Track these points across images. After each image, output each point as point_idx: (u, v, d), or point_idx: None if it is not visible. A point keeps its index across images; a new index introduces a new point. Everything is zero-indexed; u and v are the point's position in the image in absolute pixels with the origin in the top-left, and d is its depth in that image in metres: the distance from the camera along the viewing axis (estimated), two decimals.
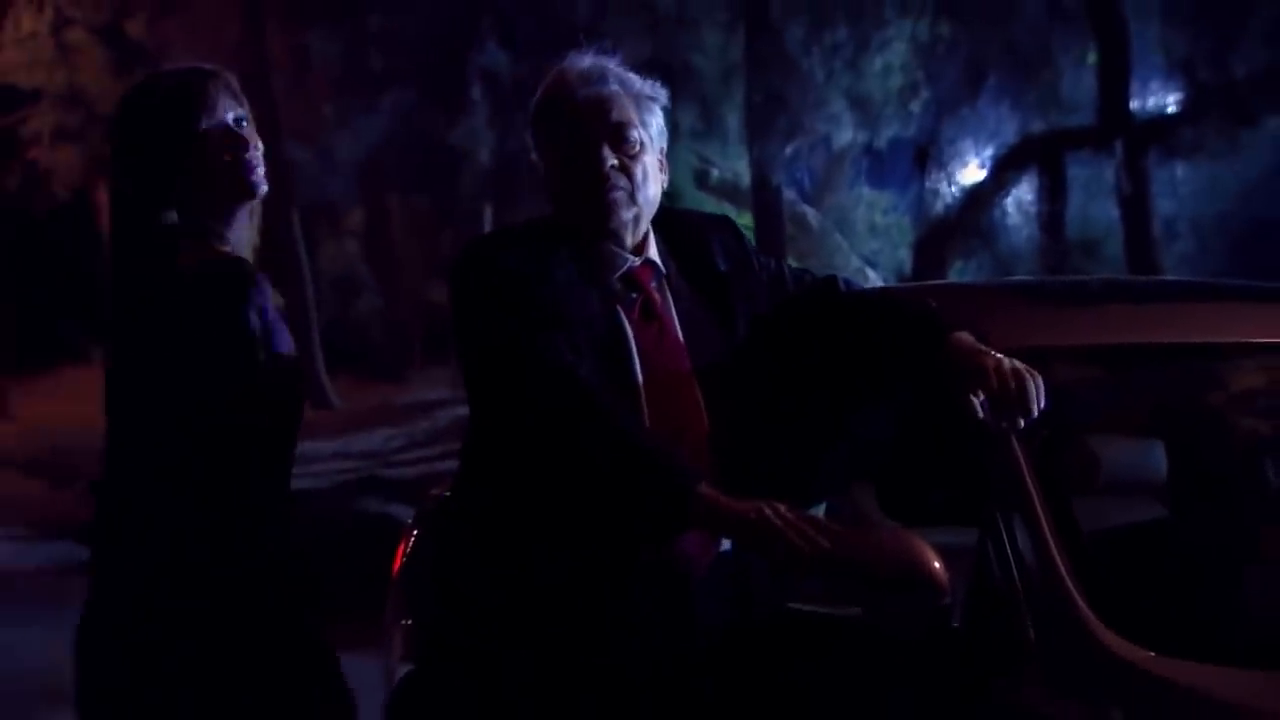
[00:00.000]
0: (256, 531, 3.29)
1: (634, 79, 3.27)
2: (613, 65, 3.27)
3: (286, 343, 3.28)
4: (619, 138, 3.20)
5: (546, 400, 3.04)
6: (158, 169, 3.29)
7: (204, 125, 3.23)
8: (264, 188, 3.28)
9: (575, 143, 3.19)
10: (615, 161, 3.18)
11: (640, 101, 3.25)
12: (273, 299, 3.31)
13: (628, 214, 3.20)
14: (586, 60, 3.27)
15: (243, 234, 3.33)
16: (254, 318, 3.23)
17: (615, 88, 3.23)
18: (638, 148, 3.21)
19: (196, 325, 3.22)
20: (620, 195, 3.18)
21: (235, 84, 3.32)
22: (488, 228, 19.25)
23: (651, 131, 3.25)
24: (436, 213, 22.03)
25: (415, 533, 4.73)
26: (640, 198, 3.21)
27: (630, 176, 3.19)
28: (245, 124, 3.27)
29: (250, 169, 3.25)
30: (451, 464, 3.64)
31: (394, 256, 23.69)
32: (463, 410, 3.54)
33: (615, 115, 3.20)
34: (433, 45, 17.62)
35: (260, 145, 3.29)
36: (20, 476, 17.46)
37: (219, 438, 3.29)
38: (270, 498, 3.32)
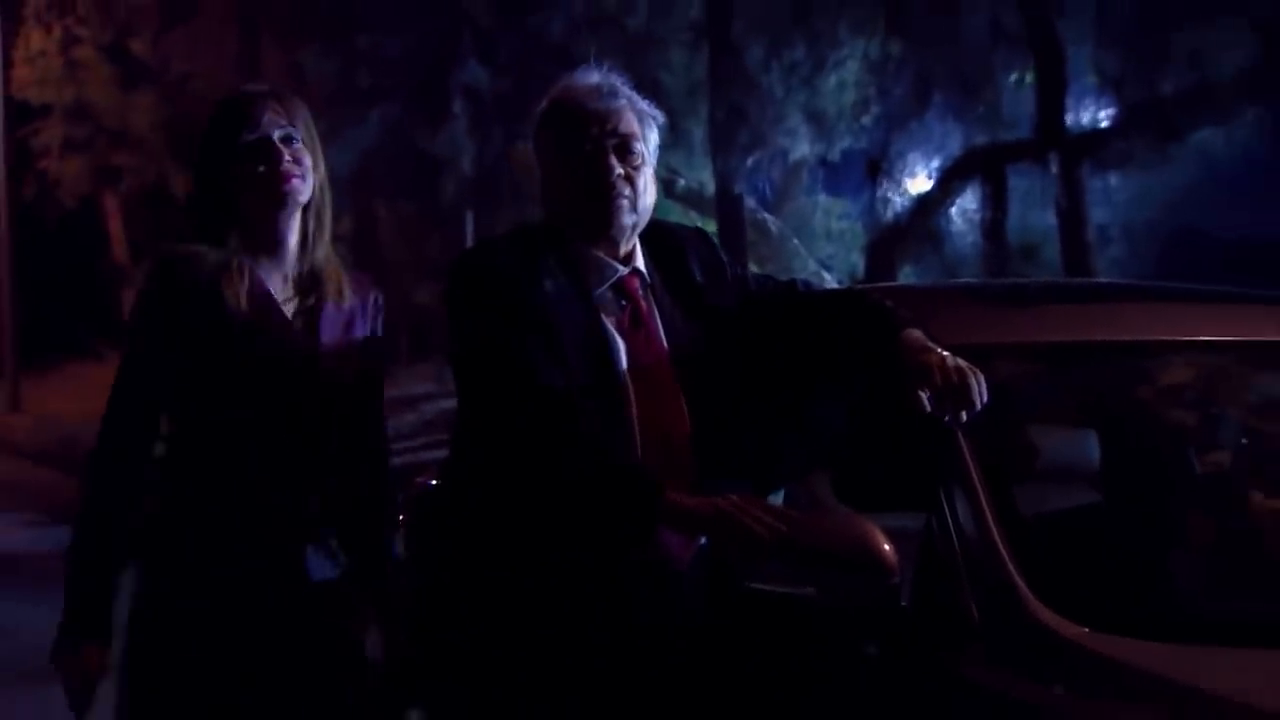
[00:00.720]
0: (258, 528, 3.25)
1: (638, 97, 3.27)
2: (619, 81, 3.27)
3: (268, 342, 3.26)
4: (625, 149, 3.19)
5: (524, 416, 3.04)
6: (206, 177, 3.34)
7: (246, 138, 3.28)
8: (299, 197, 3.31)
9: (585, 151, 3.18)
10: (621, 171, 3.17)
11: (643, 118, 3.25)
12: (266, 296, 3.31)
13: (628, 220, 3.20)
14: (595, 76, 3.26)
15: (289, 240, 3.35)
16: (163, 311, 3.25)
17: (624, 102, 3.23)
18: (640, 160, 3.20)
19: (129, 318, 3.35)
20: (624, 203, 3.18)
21: (291, 104, 3.35)
22: (470, 231, 19.21)
23: (650, 146, 3.25)
24: (421, 218, 21.97)
25: (401, 517, 4.71)
26: (640, 206, 3.21)
27: (633, 186, 3.19)
28: (296, 141, 3.31)
29: (284, 179, 3.27)
30: (436, 454, 3.63)
31: (382, 259, 23.62)
32: (446, 403, 3.53)
33: (623, 128, 3.20)
34: (417, 63, 17.57)
35: (307, 160, 3.31)
36: (31, 465, 17.37)
37: (194, 430, 3.26)
38: (285, 492, 3.28)
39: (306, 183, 3.31)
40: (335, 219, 3.44)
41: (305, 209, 3.35)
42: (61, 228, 23.11)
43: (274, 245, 3.34)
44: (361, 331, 3.41)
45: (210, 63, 19.53)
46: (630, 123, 3.21)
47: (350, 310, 3.40)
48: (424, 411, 18.95)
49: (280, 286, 3.33)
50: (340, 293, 3.37)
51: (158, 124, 21.52)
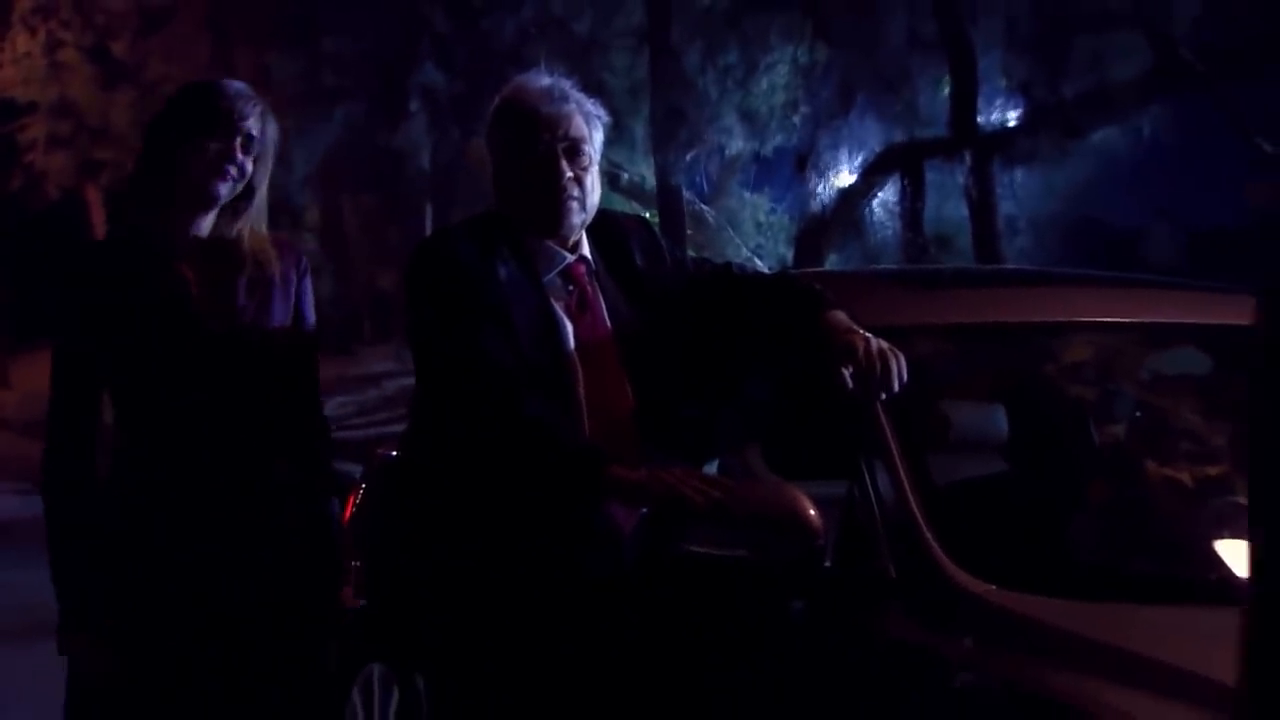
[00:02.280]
0: (214, 508, 3.15)
1: (586, 99, 3.22)
2: (568, 85, 3.22)
3: (179, 322, 3.14)
4: (574, 152, 3.16)
5: (479, 394, 3.03)
6: (162, 141, 3.22)
7: (217, 126, 3.16)
8: (220, 196, 3.19)
9: (537, 154, 3.14)
10: (571, 174, 3.14)
11: (590, 120, 3.21)
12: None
13: (578, 219, 3.18)
14: (546, 79, 3.22)
15: (202, 225, 3.22)
16: (65, 291, 3.18)
17: (573, 106, 3.18)
18: (588, 161, 3.18)
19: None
20: (574, 204, 3.16)
21: (267, 112, 3.24)
22: (428, 222, 19.15)
23: (597, 146, 3.22)
24: (383, 209, 21.90)
25: (364, 486, 4.70)
26: (588, 205, 3.19)
27: (582, 187, 3.16)
28: (251, 150, 3.19)
29: (219, 175, 3.17)
30: (396, 428, 3.61)
31: (346, 248, 23.51)
32: (406, 380, 3.52)
33: (573, 132, 3.16)
34: (378, 65, 17.47)
35: (249, 167, 3.19)
36: (18, 438, 17.24)
37: (140, 414, 3.18)
38: (238, 468, 3.17)
39: (233, 185, 3.19)
40: (302, 211, 3.35)
41: (234, 205, 3.22)
42: (46, 216, 22.89)
43: (189, 228, 3.21)
44: (280, 306, 3.26)
45: (185, 64, 19.36)
46: (580, 127, 3.18)
47: (270, 281, 3.26)
48: (385, 388, 18.88)
49: (188, 265, 3.20)
50: (260, 265, 3.24)
51: (136, 121, 21.31)
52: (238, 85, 3.27)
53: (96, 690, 3.12)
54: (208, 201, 3.20)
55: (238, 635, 3.16)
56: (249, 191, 3.23)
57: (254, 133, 3.20)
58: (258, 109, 3.21)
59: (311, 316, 3.34)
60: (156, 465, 3.15)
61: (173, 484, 3.14)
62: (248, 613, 3.16)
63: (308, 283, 3.35)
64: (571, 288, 3.19)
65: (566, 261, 3.19)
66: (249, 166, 3.20)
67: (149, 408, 3.16)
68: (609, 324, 3.21)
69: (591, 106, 3.24)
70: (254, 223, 3.26)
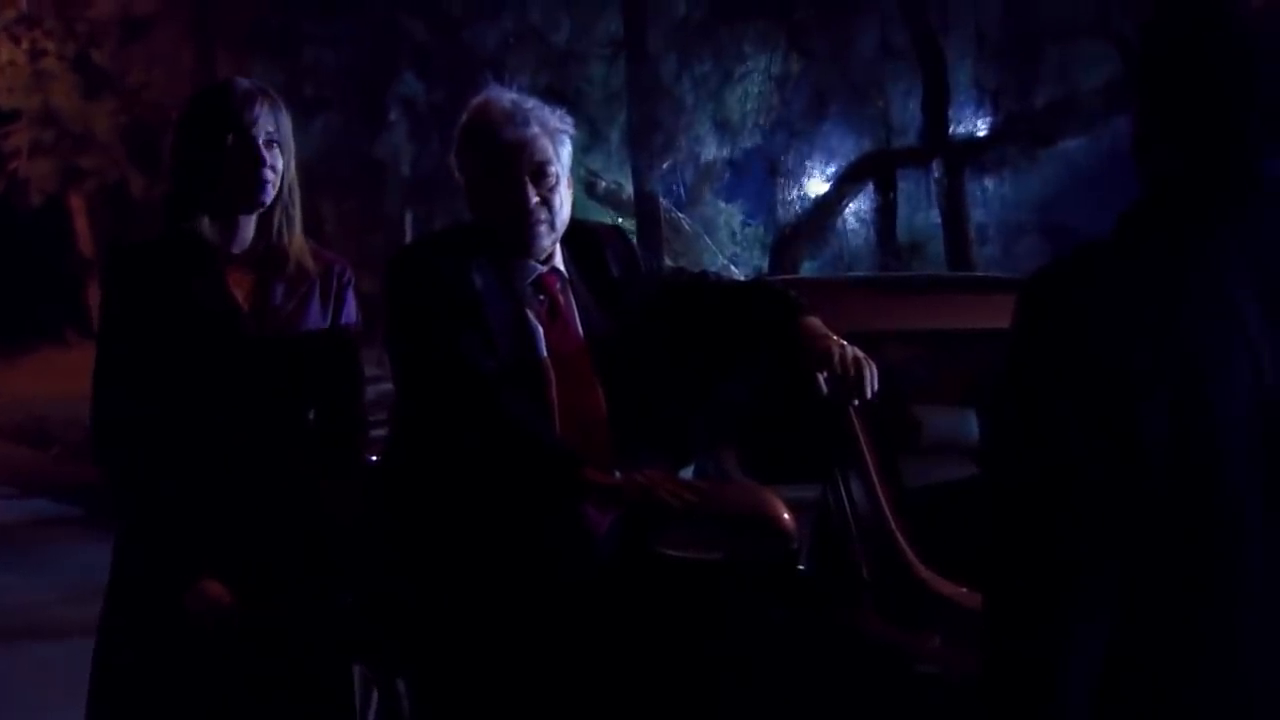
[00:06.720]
0: (237, 502, 3.16)
1: (549, 116, 3.19)
2: (530, 104, 3.19)
3: (218, 324, 3.16)
4: (540, 174, 3.13)
5: (456, 397, 3.04)
6: (189, 160, 3.20)
7: (235, 136, 3.15)
8: (268, 199, 3.20)
9: (502, 180, 3.13)
10: (538, 198, 3.13)
11: (555, 136, 3.17)
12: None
13: (548, 241, 3.19)
14: (508, 99, 3.19)
15: (247, 231, 3.23)
16: (112, 298, 3.20)
17: (536, 129, 3.15)
18: (554, 181, 3.15)
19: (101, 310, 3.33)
20: (543, 228, 3.15)
21: (276, 104, 3.22)
22: (409, 228, 19.12)
23: (564, 161, 3.19)
24: (365, 217, 21.84)
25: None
26: (557, 223, 3.18)
27: (550, 208, 3.15)
28: (275, 144, 3.18)
29: (259, 184, 3.16)
30: (378, 433, 3.61)
31: None
32: (387, 386, 3.51)
33: (538, 156, 3.14)
34: (358, 75, 17.44)
35: (280, 163, 3.19)
36: (4, 442, 17.16)
37: (173, 407, 3.19)
38: (262, 464, 3.17)
39: (275, 185, 3.20)
40: None
41: (274, 205, 3.23)
42: (30, 222, 22.81)
43: (235, 233, 3.23)
44: (317, 308, 3.28)
45: (167, 74, 19.32)
46: (544, 149, 3.15)
47: (307, 289, 3.28)
48: (369, 393, 18.82)
49: (233, 270, 3.22)
50: (297, 274, 3.26)
51: (118, 129, 21.28)
52: (244, 84, 3.24)
53: (211, 634, 3.10)
54: (251, 205, 3.20)
55: (265, 624, 3.16)
56: (279, 198, 3.24)
57: (271, 128, 3.19)
58: (266, 104, 3.20)
59: (351, 322, 3.34)
60: (191, 462, 3.14)
61: (206, 480, 3.14)
62: (277, 603, 3.17)
63: (350, 290, 3.35)
64: (542, 297, 3.20)
65: (538, 272, 3.20)
66: (279, 162, 3.20)
67: (186, 407, 3.15)
68: (581, 332, 3.22)
69: (556, 121, 3.21)
70: (292, 222, 3.26)
